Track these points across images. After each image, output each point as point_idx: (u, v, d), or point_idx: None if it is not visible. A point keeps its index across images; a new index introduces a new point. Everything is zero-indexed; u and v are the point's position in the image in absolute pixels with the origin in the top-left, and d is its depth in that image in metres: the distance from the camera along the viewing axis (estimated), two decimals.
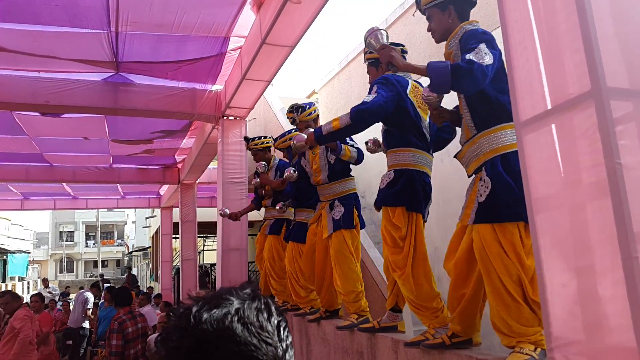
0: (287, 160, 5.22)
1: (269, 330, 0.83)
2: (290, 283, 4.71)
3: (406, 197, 3.02)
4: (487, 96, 2.40)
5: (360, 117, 2.95)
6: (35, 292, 11.60)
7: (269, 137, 5.52)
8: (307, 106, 4.35)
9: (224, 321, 0.80)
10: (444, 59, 2.57)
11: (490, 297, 2.34)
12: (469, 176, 2.62)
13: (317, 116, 4.36)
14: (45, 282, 17.37)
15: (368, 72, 3.48)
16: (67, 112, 6.94)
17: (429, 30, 2.68)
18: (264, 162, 5.16)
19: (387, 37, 2.74)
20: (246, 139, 5.56)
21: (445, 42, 2.64)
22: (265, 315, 0.84)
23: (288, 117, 4.50)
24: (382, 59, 2.43)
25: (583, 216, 1.61)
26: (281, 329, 0.85)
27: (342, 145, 3.83)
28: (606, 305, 1.52)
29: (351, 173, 4.13)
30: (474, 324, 2.60)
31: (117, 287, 8.67)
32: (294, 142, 3.40)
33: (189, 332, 0.80)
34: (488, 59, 2.22)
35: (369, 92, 3.09)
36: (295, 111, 4.32)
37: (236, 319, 0.81)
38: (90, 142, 8.81)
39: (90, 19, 4.81)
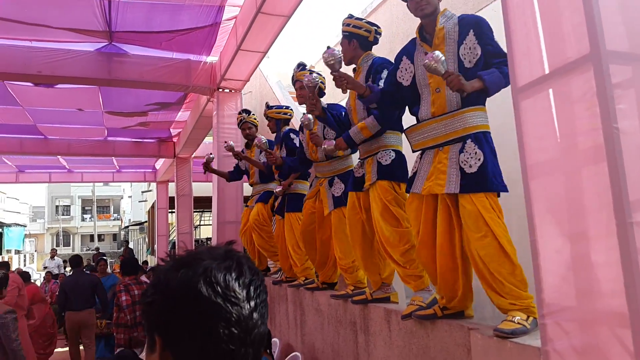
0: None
1: (235, 290, 0.84)
2: (289, 253, 4.71)
3: (406, 176, 3.14)
4: None
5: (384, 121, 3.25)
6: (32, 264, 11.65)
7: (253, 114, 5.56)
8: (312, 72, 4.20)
9: (189, 281, 0.83)
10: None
11: (488, 260, 2.32)
12: (414, 151, 2.78)
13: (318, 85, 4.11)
14: (53, 252, 17.28)
15: (342, 44, 3.53)
16: (60, 83, 6.85)
17: None
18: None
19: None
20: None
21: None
22: (234, 274, 0.85)
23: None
24: (453, 87, 2.41)
25: (578, 182, 1.59)
26: (252, 288, 0.86)
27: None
28: (599, 271, 1.51)
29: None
30: (466, 297, 2.61)
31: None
32: (325, 146, 3.60)
33: (159, 289, 0.85)
34: None
35: (378, 78, 3.21)
36: (296, 67, 4.26)
37: (202, 279, 0.83)
38: (85, 114, 8.74)
39: None
